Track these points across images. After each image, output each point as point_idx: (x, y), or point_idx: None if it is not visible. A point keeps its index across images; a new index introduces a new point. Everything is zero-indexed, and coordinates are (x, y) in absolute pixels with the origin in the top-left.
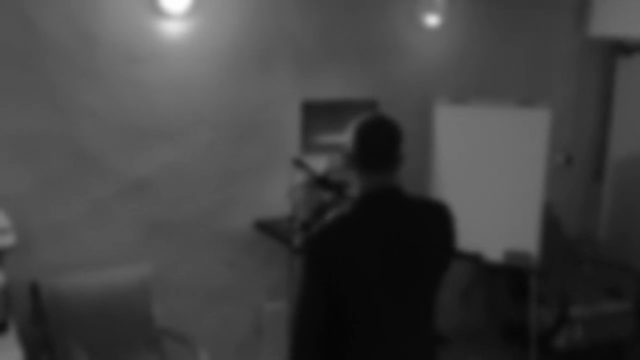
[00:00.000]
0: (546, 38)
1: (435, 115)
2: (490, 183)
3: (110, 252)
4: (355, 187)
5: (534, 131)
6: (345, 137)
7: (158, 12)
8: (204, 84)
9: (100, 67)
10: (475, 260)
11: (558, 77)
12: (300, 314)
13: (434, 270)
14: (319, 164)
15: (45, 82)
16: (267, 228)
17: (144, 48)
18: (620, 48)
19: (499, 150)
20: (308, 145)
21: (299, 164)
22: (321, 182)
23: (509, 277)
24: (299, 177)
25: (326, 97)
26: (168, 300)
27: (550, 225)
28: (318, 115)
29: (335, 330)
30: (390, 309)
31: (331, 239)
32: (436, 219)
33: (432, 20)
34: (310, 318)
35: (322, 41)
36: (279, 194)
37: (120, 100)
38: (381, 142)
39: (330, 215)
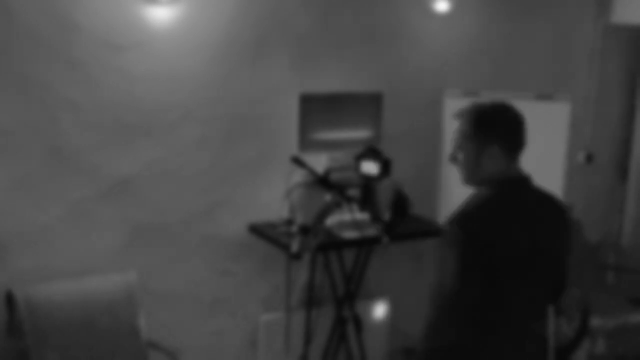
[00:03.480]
0: (565, 26)
1: (445, 109)
2: None
3: (92, 258)
4: (481, 171)
5: (552, 127)
6: (464, 120)
7: None
8: (193, 75)
9: (81, 57)
10: None
11: (578, 68)
12: (447, 300)
13: (558, 266)
14: (319, 162)
15: (20, 72)
16: (262, 232)
17: (128, 36)
18: None
19: None
20: (307, 142)
21: (297, 162)
22: (322, 182)
23: None
24: (298, 176)
25: (327, 90)
26: (155, 311)
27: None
28: (318, 109)
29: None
30: (526, 299)
31: (478, 218)
32: (562, 216)
33: (443, 5)
34: (463, 293)
35: (322, 28)
36: (275, 195)
37: (102, 93)
38: (524, 128)
39: (470, 198)
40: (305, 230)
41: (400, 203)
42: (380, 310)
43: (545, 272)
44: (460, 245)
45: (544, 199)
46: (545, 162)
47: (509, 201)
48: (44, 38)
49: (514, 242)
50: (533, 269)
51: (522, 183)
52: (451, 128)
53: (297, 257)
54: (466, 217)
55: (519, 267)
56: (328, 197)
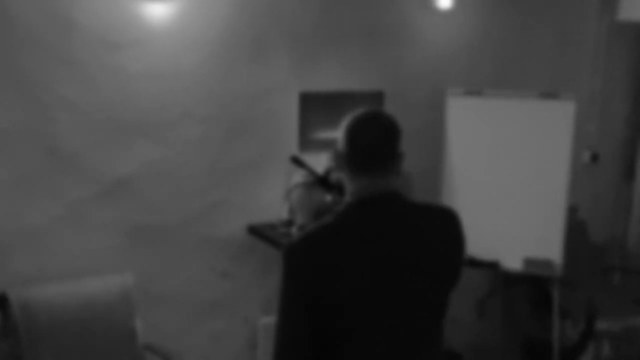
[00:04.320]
0: (570, 23)
1: (447, 108)
2: (509, 184)
3: (88, 259)
4: (347, 192)
5: (557, 126)
6: (337, 135)
7: None
8: (191, 74)
9: (77, 55)
10: (492, 269)
11: (583, 66)
12: (280, 335)
13: (437, 287)
14: (319, 162)
15: (16, 71)
16: (262, 233)
17: (125, 34)
18: None
19: (518, 147)
20: (306, 141)
21: (297, 162)
22: (322, 182)
23: (530, 287)
24: (297, 176)
25: (326, 89)
26: (153, 313)
27: (575, 230)
28: (318, 108)
29: (322, 353)
30: (384, 330)
31: (311, 249)
32: (440, 228)
33: (444, 2)
34: (291, 340)
35: (322, 25)
36: (274, 196)
37: (99, 92)
38: (372, 140)
39: (313, 224)
40: None
41: None
42: None
43: (415, 296)
44: (285, 277)
45: (415, 214)
46: (550, 162)
47: (353, 226)
48: (40, 36)
49: (354, 271)
50: (391, 296)
51: (381, 201)
52: (454, 127)
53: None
54: (293, 247)
55: (365, 297)
56: (328, 198)
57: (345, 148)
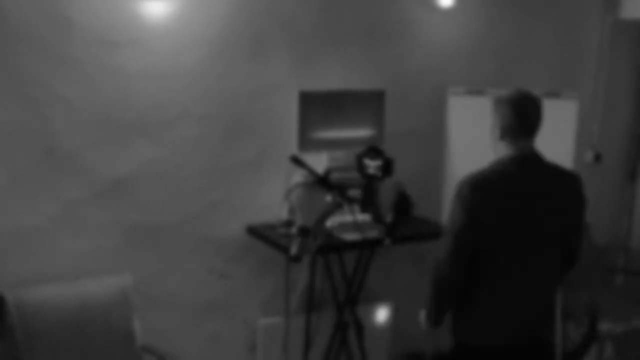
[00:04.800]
0: (573, 22)
1: (448, 107)
2: None
3: (85, 260)
4: (502, 153)
5: (559, 125)
6: (496, 110)
7: None
8: (190, 72)
9: (75, 53)
10: None
11: (586, 65)
12: (450, 246)
13: (562, 232)
14: (319, 162)
15: (13, 69)
16: (261, 234)
17: (123, 32)
18: None
19: None
20: (306, 141)
21: (296, 161)
22: (322, 182)
23: None
24: (297, 176)
25: (326, 88)
26: (150, 314)
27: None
28: (318, 107)
29: (473, 267)
30: (520, 258)
31: (483, 186)
32: (570, 185)
33: (446, 0)
34: (458, 247)
35: (323, 23)
36: (274, 196)
37: (96, 90)
38: (535, 112)
39: (483, 167)
40: (304, 232)
41: (403, 204)
42: (381, 314)
43: (546, 236)
44: (463, 205)
45: (554, 171)
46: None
47: (514, 173)
48: (37, 35)
49: (507, 207)
50: (529, 232)
51: (532, 158)
52: (455, 126)
53: (296, 259)
54: (467, 183)
55: (511, 228)
56: (328, 198)
57: (513, 119)
